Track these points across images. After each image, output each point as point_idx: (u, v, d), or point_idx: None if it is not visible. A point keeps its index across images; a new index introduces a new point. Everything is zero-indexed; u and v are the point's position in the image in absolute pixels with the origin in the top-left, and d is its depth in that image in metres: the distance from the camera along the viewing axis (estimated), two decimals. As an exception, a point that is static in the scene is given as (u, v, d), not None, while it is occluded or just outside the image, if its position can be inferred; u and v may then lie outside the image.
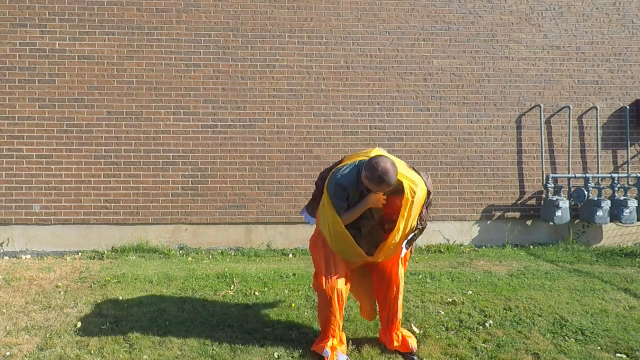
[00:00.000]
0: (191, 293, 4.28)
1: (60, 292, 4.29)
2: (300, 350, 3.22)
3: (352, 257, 3.18)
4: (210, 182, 6.12)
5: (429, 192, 3.11)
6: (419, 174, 3.12)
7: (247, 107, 6.18)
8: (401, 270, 3.27)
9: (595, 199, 6.31)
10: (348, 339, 3.36)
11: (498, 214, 6.52)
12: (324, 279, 3.17)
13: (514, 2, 6.56)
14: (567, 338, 3.48)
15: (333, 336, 3.16)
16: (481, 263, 5.49)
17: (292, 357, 3.17)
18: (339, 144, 6.27)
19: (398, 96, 6.38)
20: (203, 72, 6.12)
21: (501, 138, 6.53)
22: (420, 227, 3.12)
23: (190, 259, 5.63)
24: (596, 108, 6.61)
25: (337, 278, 3.16)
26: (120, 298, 4.11)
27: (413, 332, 3.48)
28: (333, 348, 3.09)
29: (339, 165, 3.18)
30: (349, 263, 3.22)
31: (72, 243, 5.95)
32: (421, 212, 3.07)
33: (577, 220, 6.57)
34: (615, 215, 6.31)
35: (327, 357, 3.06)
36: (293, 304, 4.02)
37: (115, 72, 6.02)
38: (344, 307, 3.26)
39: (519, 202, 6.56)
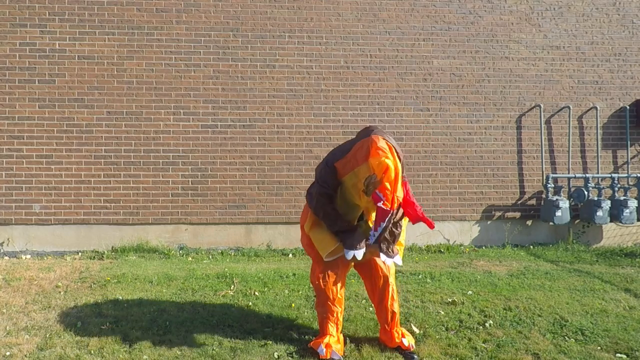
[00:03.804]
0: (191, 293, 4.28)
1: (60, 292, 4.29)
2: (300, 351, 3.22)
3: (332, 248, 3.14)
4: (210, 182, 6.12)
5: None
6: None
7: (247, 107, 6.18)
8: (393, 268, 3.32)
9: (595, 199, 6.31)
10: (347, 339, 3.37)
11: (498, 214, 6.52)
12: (320, 276, 3.22)
13: (514, 2, 6.55)
14: (567, 338, 3.48)
15: (330, 334, 3.18)
16: (481, 263, 5.49)
17: (292, 357, 3.17)
18: (339, 144, 6.25)
19: (398, 96, 6.38)
20: (203, 72, 6.12)
21: (501, 138, 6.53)
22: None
23: (190, 259, 5.63)
24: (596, 108, 6.61)
25: (333, 277, 3.20)
26: (120, 298, 4.11)
27: (413, 333, 3.49)
28: (328, 346, 3.11)
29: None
30: (340, 262, 3.23)
31: (72, 243, 5.95)
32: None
33: (577, 221, 6.57)
34: (615, 215, 6.30)
35: (321, 355, 3.08)
36: (293, 304, 4.02)
37: (115, 72, 6.02)
38: (342, 306, 3.29)
39: (519, 202, 6.56)
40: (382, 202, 2.78)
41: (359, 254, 3.03)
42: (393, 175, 2.80)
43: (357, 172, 2.91)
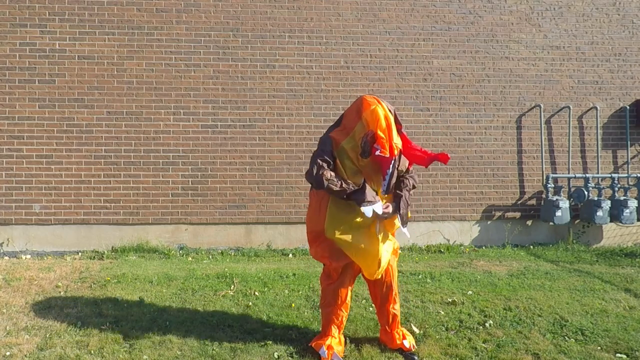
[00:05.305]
0: (191, 293, 4.28)
1: (60, 292, 4.29)
2: (300, 351, 3.22)
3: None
4: (210, 182, 6.12)
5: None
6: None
7: (247, 107, 6.18)
8: (395, 270, 3.30)
9: (595, 199, 6.31)
10: (348, 339, 3.37)
11: (498, 214, 6.52)
12: (330, 280, 3.23)
13: (514, 2, 6.55)
14: (567, 338, 3.48)
15: (332, 335, 3.18)
16: (481, 263, 5.49)
17: (292, 357, 3.17)
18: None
19: (398, 96, 6.38)
20: (203, 72, 6.12)
21: (501, 138, 6.53)
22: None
23: (190, 259, 5.63)
24: (596, 108, 6.61)
25: (342, 280, 3.19)
26: (120, 298, 4.11)
27: (413, 332, 3.49)
28: (330, 348, 3.11)
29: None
30: (354, 268, 3.23)
31: (72, 243, 5.95)
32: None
33: (577, 221, 6.57)
34: (615, 215, 6.30)
35: (323, 357, 3.08)
36: (293, 304, 4.02)
37: (115, 72, 6.02)
38: (348, 310, 3.28)
39: (519, 202, 6.56)
40: (379, 150, 2.92)
41: (378, 207, 2.99)
42: (384, 123, 2.94)
43: (354, 134, 3.03)
